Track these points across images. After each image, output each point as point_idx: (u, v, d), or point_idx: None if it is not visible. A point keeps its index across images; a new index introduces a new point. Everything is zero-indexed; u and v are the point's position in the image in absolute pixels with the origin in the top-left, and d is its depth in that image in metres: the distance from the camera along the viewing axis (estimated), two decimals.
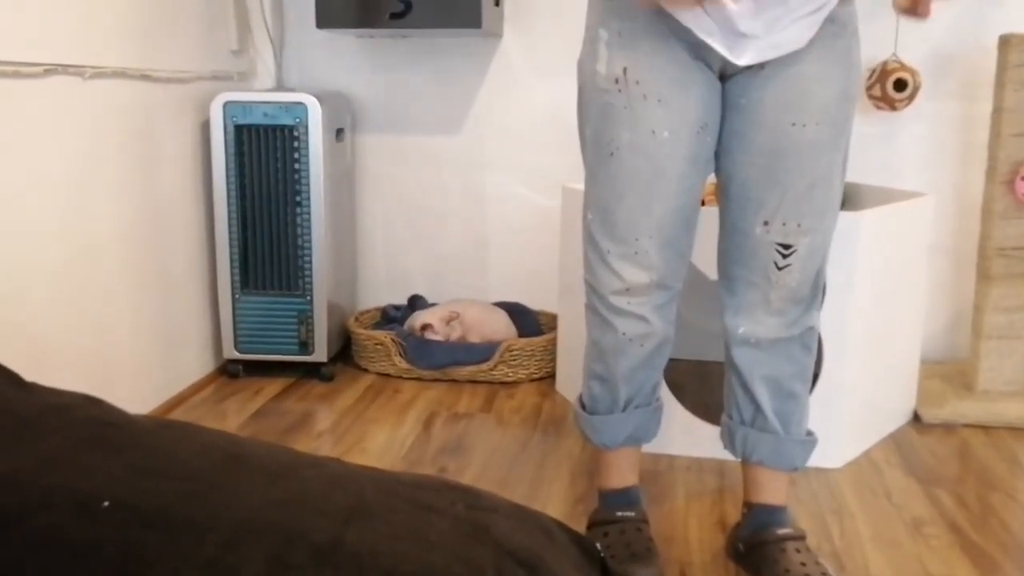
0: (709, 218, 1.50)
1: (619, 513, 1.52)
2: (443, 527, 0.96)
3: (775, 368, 1.42)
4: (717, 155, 1.38)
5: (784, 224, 1.34)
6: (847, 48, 1.31)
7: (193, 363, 2.32)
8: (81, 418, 1.05)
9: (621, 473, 1.55)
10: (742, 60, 1.27)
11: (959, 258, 2.48)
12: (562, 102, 2.56)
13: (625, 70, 1.31)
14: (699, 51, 1.30)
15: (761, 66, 1.29)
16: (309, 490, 0.98)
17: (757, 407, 1.45)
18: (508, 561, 0.94)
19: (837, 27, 1.29)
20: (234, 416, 2.15)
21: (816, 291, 1.41)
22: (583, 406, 1.54)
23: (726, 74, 1.33)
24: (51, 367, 1.76)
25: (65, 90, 1.76)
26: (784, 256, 1.35)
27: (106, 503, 0.85)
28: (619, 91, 1.32)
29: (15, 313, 1.65)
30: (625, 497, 1.54)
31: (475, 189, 2.66)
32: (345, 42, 2.62)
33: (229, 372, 2.40)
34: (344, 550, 0.86)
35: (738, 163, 1.35)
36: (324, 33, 2.59)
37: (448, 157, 2.65)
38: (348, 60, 2.63)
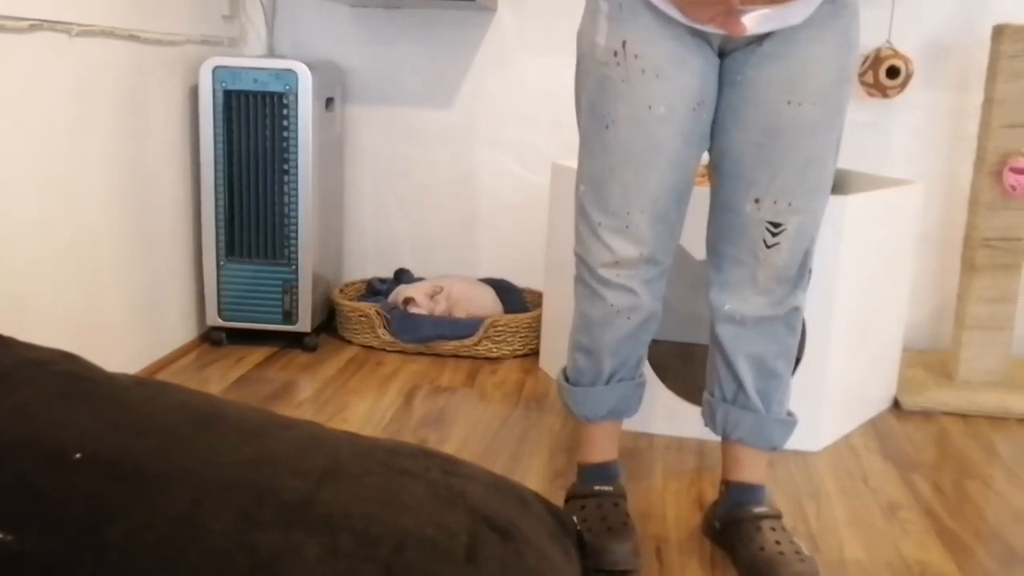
0: (697, 198, 1.50)
1: (597, 487, 1.52)
2: (417, 491, 0.96)
3: (759, 346, 1.43)
4: (712, 131, 1.37)
5: (775, 202, 1.34)
6: (846, 28, 1.30)
7: (176, 329, 2.31)
8: (56, 372, 1.04)
9: (601, 447, 1.55)
10: (739, 31, 1.25)
11: (945, 248, 2.48)
12: (555, 79, 2.55)
13: (624, 43, 1.30)
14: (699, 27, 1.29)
15: (759, 43, 1.29)
16: (283, 450, 0.98)
17: (739, 385, 1.45)
18: (482, 526, 0.94)
19: (837, 7, 1.28)
20: (216, 383, 2.14)
21: (803, 272, 1.41)
22: (567, 378, 1.54)
23: (725, 50, 1.32)
24: (32, 328, 1.74)
25: (50, 47, 1.74)
26: (773, 235, 1.35)
27: (78, 455, 0.84)
28: (617, 64, 1.31)
29: None
30: (604, 472, 1.54)
31: (465, 164, 2.65)
32: (338, 11, 2.60)
33: (212, 339, 2.39)
34: (315, 510, 0.86)
35: (732, 140, 1.35)
36: (316, 1, 2.56)
37: (439, 131, 2.64)
38: (341, 29, 2.61)
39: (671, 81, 1.30)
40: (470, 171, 2.65)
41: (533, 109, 2.58)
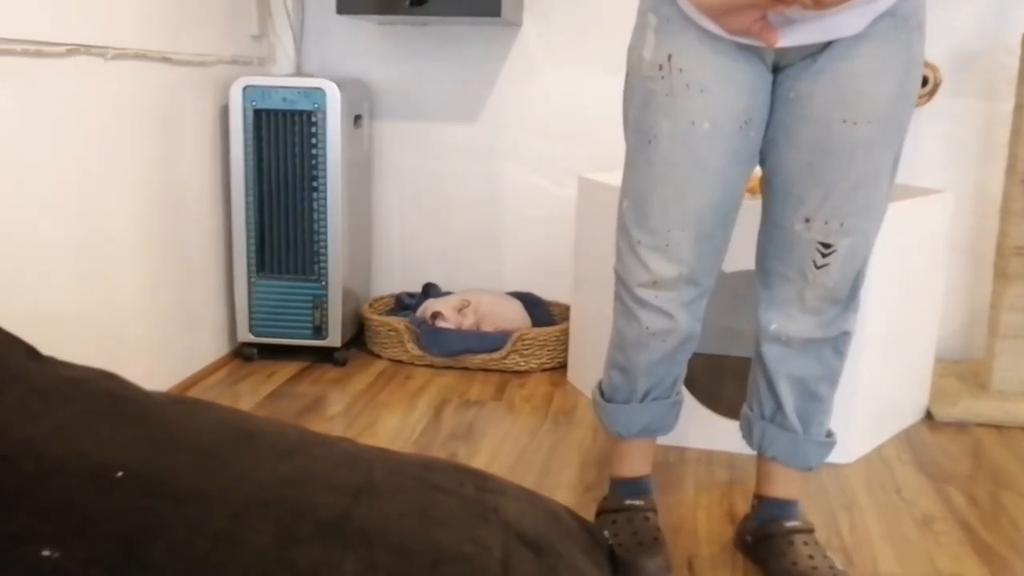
0: (742, 211, 1.47)
1: (628, 502, 1.51)
2: (451, 506, 0.97)
3: (803, 369, 1.40)
4: (763, 147, 1.33)
5: (826, 223, 1.30)
6: (907, 43, 1.23)
7: (208, 345, 2.34)
8: (96, 391, 1.06)
9: (634, 462, 1.54)
10: (785, 41, 1.20)
11: (977, 256, 2.46)
12: (579, 92, 2.56)
13: (670, 57, 1.27)
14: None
15: (814, 58, 1.24)
16: (318, 467, 0.99)
17: (779, 404, 1.43)
18: (515, 542, 0.95)
19: (898, 20, 1.21)
20: (247, 398, 2.17)
21: (854, 293, 1.37)
22: (602, 393, 1.53)
23: (779, 66, 1.28)
24: (67, 345, 1.77)
25: (87, 70, 1.78)
26: (823, 255, 1.32)
27: (120, 473, 0.86)
28: (662, 78, 1.27)
29: (33, 290, 1.67)
30: (636, 486, 1.54)
31: (491, 178, 2.66)
32: (365, 28, 2.63)
33: (243, 355, 2.41)
34: (352, 525, 0.87)
35: (783, 157, 1.30)
36: (344, 19, 2.60)
37: (465, 145, 2.66)
38: (367, 47, 2.64)
39: (716, 97, 1.26)
40: (496, 185, 2.67)
41: (558, 122, 2.59)
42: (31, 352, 1.15)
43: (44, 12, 1.64)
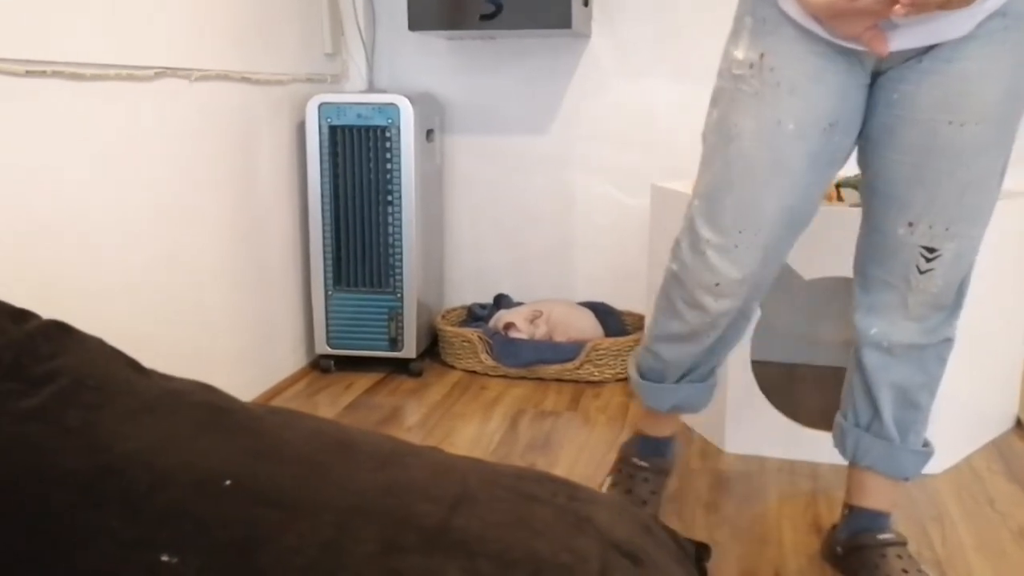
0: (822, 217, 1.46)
1: (634, 460, 1.59)
2: (547, 516, 0.97)
3: (904, 376, 1.36)
4: (864, 150, 1.31)
5: (931, 227, 1.26)
6: (1018, 43, 1.18)
7: (287, 357, 2.39)
8: (196, 402, 1.09)
9: (658, 424, 1.60)
10: (892, 46, 1.17)
11: None
12: (649, 101, 2.55)
13: (762, 55, 1.25)
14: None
15: (919, 59, 1.20)
16: (414, 477, 1.01)
17: (876, 412, 1.40)
18: (612, 552, 0.95)
19: (1009, 20, 1.17)
20: (326, 409, 2.20)
21: (959, 299, 1.33)
22: (638, 368, 1.56)
23: (880, 68, 1.25)
24: (152, 358, 1.83)
25: (172, 92, 1.83)
26: (927, 260, 1.28)
27: (228, 482, 0.88)
28: (752, 76, 1.26)
29: (121, 305, 1.73)
30: (652, 445, 1.61)
31: (562, 189, 2.67)
32: (435, 44, 2.66)
33: (321, 367, 2.46)
34: (452, 535, 0.88)
35: (886, 160, 1.27)
36: (415, 35, 2.64)
37: (536, 157, 2.67)
38: (438, 61, 2.67)
39: (804, 97, 1.23)
40: (566, 195, 2.67)
41: (629, 132, 2.59)
42: (134, 365, 1.18)
43: (135, 38, 1.70)
